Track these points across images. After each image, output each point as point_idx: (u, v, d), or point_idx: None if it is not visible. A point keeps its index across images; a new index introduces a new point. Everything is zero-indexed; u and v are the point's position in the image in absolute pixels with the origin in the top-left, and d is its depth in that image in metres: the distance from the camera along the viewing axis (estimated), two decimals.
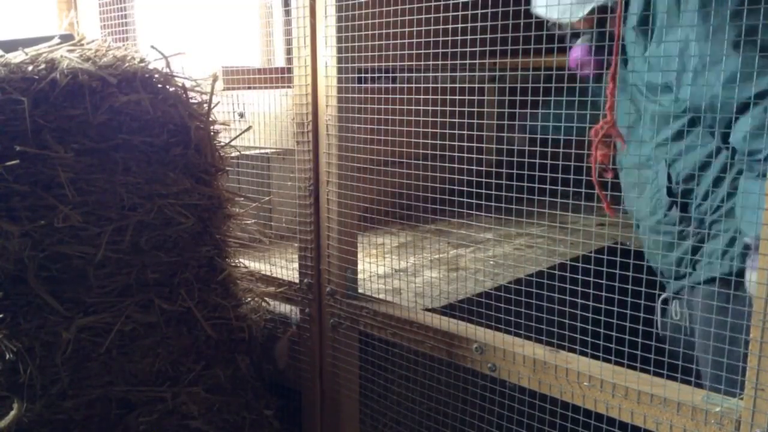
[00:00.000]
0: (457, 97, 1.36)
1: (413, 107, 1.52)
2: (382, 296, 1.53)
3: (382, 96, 1.42)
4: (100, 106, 1.23)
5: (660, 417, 1.03)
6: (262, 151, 1.99)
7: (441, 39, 1.25)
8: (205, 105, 1.44)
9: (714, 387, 1.03)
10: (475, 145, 1.23)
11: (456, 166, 1.26)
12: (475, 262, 1.96)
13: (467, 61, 1.34)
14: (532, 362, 1.18)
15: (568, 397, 1.14)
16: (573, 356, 1.17)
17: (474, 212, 1.24)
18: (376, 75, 1.49)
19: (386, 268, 1.86)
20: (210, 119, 1.45)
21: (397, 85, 1.54)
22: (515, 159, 1.17)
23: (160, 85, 1.34)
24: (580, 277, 1.39)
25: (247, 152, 1.90)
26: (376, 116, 1.41)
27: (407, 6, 1.29)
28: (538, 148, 1.16)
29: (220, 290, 1.48)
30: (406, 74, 1.52)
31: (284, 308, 1.69)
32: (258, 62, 2.32)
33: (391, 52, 1.31)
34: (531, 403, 1.19)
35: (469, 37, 1.18)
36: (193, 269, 1.41)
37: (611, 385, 1.08)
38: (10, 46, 1.31)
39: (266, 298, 1.69)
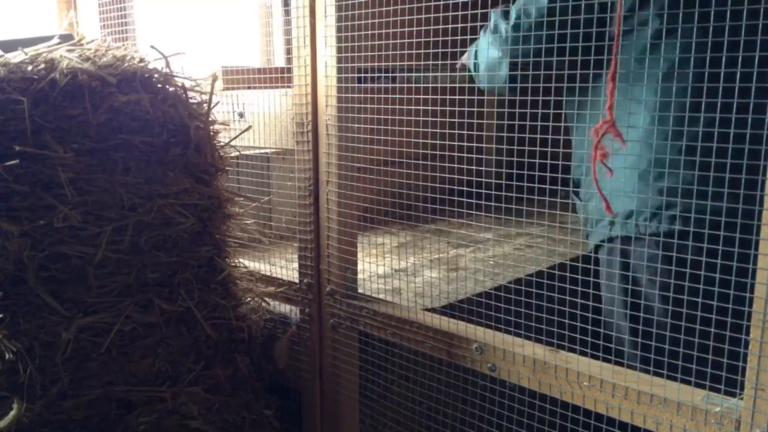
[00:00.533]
0: (457, 97, 1.36)
1: (413, 107, 1.52)
2: (382, 296, 1.53)
3: (382, 96, 1.42)
4: (99, 106, 1.23)
5: (660, 417, 1.03)
6: (262, 151, 1.99)
7: (441, 39, 1.25)
8: (204, 105, 1.44)
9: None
10: (475, 145, 1.23)
11: (456, 166, 1.26)
12: (475, 262, 1.96)
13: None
14: (532, 362, 1.18)
15: (568, 397, 1.14)
16: (573, 356, 1.17)
17: (474, 212, 1.24)
18: (376, 75, 1.49)
19: (386, 268, 1.86)
20: (210, 119, 1.45)
21: (397, 85, 1.54)
22: (515, 159, 1.17)
23: (159, 85, 1.34)
24: (580, 277, 1.39)
25: (247, 152, 1.90)
26: (376, 116, 1.41)
27: (407, 6, 1.29)
28: (538, 148, 1.16)
29: (220, 290, 1.48)
30: (406, 74, 1.52)
31: (284, 308, 1.69)
32: (258, 62, 2.32)
33: (391, 52, 1.31)
34: (531, 403, 1.19)
35: (469, 37, 1.17)
36: (193, 269, 1.41)
37: (611, 385, 1.08)
38: (10, 46, 1.31)
39: (266, 298, 1.69)
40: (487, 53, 1.41)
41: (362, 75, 1.43)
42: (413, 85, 1.52)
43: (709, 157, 1.01)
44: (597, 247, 1.45)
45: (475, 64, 1.49)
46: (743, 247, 0.94)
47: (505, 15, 1.39)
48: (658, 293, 1.28)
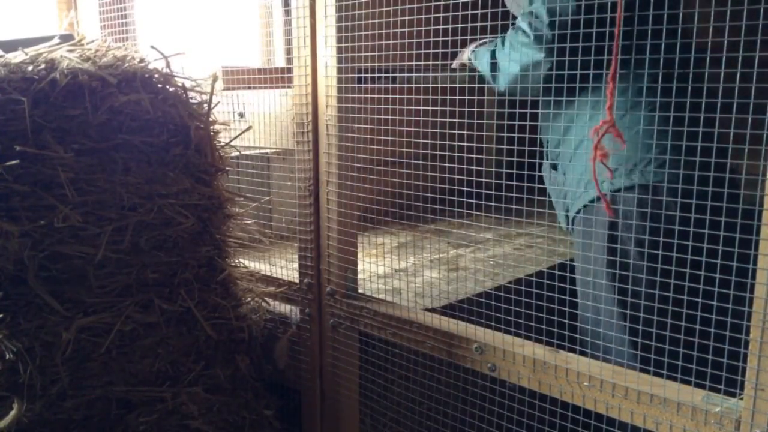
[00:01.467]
0: (457, 97, 1.36)
1: (413, 107, 1.52)
2: (382, 296, 1.53)
3: (382, 96, 1.42)
4: (100, 106, 1.23)
5: (660, 417, 1.03)
6: (262, 151, 1.99)
7: (441, 39, 1.25)
8: (205, 105, 1.44)
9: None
10: (475, 145, 1.23)
11: (456, 166, 1.26)
12: (475, 262, 1.96)
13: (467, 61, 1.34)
14: (532, 362, 1.18)
15: (568, 397, 1.14)
16: (573, 356, 1.17)
17: (474, 212, 1.24)
18: (376, 75, 1.49)
19: (386, 268, 1.86)
20: (210, 119, 1.45)
21: (397, 85, 1.54)
22: (515, 159, 1.17)
23: (160, 85, 1.34)
24: (579, 277, 1.38)
25: (247, 152, 1.90)
26: (376, 116, 1.41)
27: (407, 6, 1.29)
28: (537, 148, 1.16)
29: (220, 290, 1.48)
30: (406, 74, 1.52)
31: (284, 308, 1.69)
32: (258, 62, 2.32)
33: (391, 52, 1.31)
34: (531, 403, 1.19)
35: (469, 37, 1.18)
36: (193, 269, 1.41)
37: (611, 385, 1.08)
38: (10, 46, 1.31)
39: (266, 298, 1.69)
40: (519, 57, 1.40)
41: (362, 75, 1.43)
42: (413, 85, 1.52)
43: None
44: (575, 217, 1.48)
45: (494, 75, 1.49)
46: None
47: (528, 21, 1.40)
48: (645, 251, 1.29)
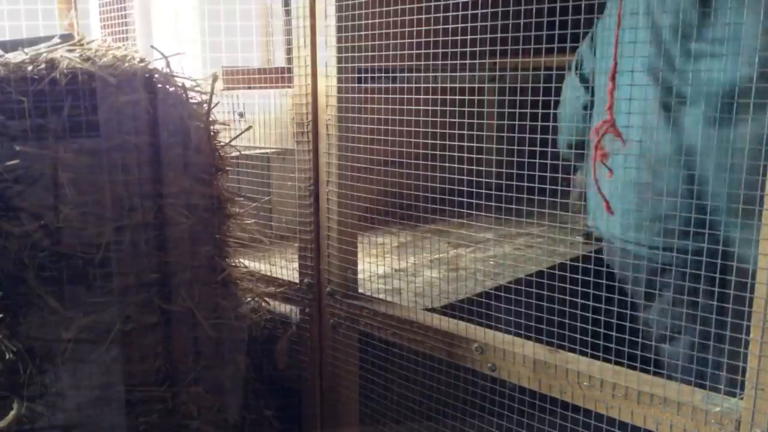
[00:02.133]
0: (457, 97, 1.36)
1: (413, 107, 1.52)
2: (382, 296, 1.53)
3: (382, 96, 1.42)
4: (100, 106, 1.23)
5: (660, 417, 1.03)
6: (262, 151, 1.99)
7: (441, 39, 1.25)
8: (205, 105, 1.44)
9: None
10: (475, 145, 1.23)
11: (456, 166, 1.26)
12: (475, 262, 1.96)
13: (467, 61, 1.34)
14: (532, 362, 1.18)
15: (568, 397, 1.14)
16: (573, 356, 1.17)
17: (474, 212, 1.24)
18: (376, 75, 1.49)
19: (386, 268, 1.86)
20: (210, 119, 1.45)
21: (397, 85, 1.54)
22: (515, 159, 1.17)
23: (160, 85, 1.34)
24: (580, 277, 1.39)
25: (247, 152, 1.90)
26: (376, 116, 1.41)
27: (407, 6, 1.29)
28: (538, 148, 1.16)
29: (220, 290, 1.48)
30: (406, 74, 1.52)
31: (284, 308, 1.69)
32: (258, 62, 2.32)
33: (391, 52, 1.31)
34: (531, 403, 1.19)
35: (469, 37, 1.17)
36: (193, 269, 1.41)
37: (611, 385, 1.08)
38: (10, 46, 1.31)
39: (266, 298, 1.69)
40: None
41: (362, 75, 1.43)
42: (413, 85, 1.52)
43: None
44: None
45: None
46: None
47: None
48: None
